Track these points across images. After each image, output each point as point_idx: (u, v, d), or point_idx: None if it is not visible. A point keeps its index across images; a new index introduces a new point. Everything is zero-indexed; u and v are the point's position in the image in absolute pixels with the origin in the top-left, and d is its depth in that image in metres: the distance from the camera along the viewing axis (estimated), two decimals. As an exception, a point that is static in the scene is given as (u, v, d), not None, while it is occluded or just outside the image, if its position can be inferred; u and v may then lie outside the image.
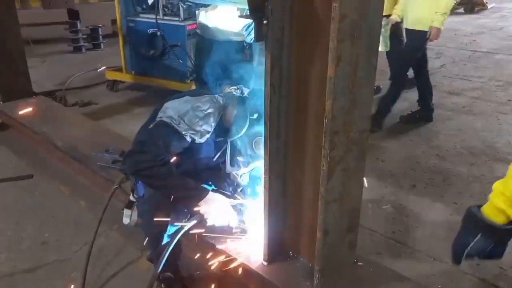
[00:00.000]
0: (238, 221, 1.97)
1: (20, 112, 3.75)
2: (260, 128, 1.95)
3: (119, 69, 5.33)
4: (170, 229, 1.94)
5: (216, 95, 2.02)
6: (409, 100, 4.78)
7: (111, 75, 5.36)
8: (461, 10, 11.80)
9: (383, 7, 1.43)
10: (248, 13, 1.48)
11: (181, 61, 4.72)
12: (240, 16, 1.64)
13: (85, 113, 4.60)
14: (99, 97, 5.18)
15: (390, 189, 3.18)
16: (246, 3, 1.45)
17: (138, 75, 5.12)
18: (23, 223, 2.79)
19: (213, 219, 1.89)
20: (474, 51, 7.44)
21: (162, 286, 2.08)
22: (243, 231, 1.98)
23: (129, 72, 5.16)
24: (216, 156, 2.13)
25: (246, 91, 2.08)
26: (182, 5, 4.61)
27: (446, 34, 8.45)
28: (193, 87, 4.54)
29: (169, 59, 4.79)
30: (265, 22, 1.45)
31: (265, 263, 1.82)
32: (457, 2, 12.02)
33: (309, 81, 1.53)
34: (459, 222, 1.31)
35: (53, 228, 2.73)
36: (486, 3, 11.89)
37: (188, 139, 1.88)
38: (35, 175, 3.32)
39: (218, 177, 2.14)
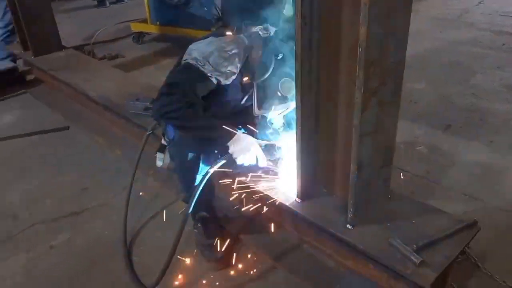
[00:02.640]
0: (268, 161, 1.97)
1: (52, 66, 3.81)
2: (286, 69, 1.91)
3: (144, 21, 5.28)
4: (202, 170, 1.98)
5: (241, 35, 1.97)
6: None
7: (136, 27, 5.33)
8: None
9: None
10: None
11: (206, 9, 4.63)
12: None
13: (113, 66, 4.64)
14: (126, 50, 5.20)
15: (424, 130, 3.11)
16: None
17: (163, 26, 5.07)
18: (63, 171, 2.91)
19: (242, 158, 1.89)
20: (515, -15, 6.93)
21: (199, 225, 2.16)
22: (275, 170, 2.00)
23: (154, 23, 5.11)
24: (244, 99, 2.11)
25: (272, 31, 2.02)
26: None
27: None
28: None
29: (194, 7, 4.70)
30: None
31: (298, 200, 1.84)
32: None
33: (341, 11, 1.47)
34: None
35: (92, 176, 2.84)
36: None
37: (214, 80, 1.87)
38: (71, 127, 3.43)
39: (247, 120, 2.13)
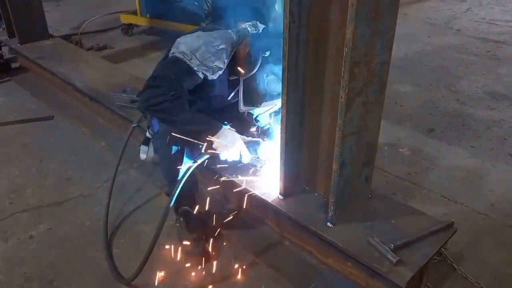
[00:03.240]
0: (252, 157, 1.97)
1: (38, 54, 3.76)
2: (274, 67, 1.92)
3: (134, 13, 5.25)
4: (186, 164, 1.97)
5: (229, 31, 1.97)
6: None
7: (126, 19, 5.29)
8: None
9: None
10: None
11: (197, 3, 4.62)
12: None
13: (101, 56, 4.60)
14: (114, 41, 5.16)
15: (407, 133, 3.15)
16: None
17: (153, 18, 5.04)
18: (46, 161, 2.88)
19: (225, 154, 1.88)
20: (502, -7, 7.05)
21: (181, 219, 2.16)
22: (258, 167, 2.01)
23: (144, 15, 5.08)
24: (231, 95, 2.11)
25: (261, 27, 2.03)
26: None
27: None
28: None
29: (185, 1, 4.68)
30: None
31: (281, 197, 1.86)
32: None
33: (329, 11, 1.49)
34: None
35: (76, 166, 2.81)
36: None
37: (200, 75, 1.87)
38: (55, 116, 3.39)
39: (232, 115, 2.13)
